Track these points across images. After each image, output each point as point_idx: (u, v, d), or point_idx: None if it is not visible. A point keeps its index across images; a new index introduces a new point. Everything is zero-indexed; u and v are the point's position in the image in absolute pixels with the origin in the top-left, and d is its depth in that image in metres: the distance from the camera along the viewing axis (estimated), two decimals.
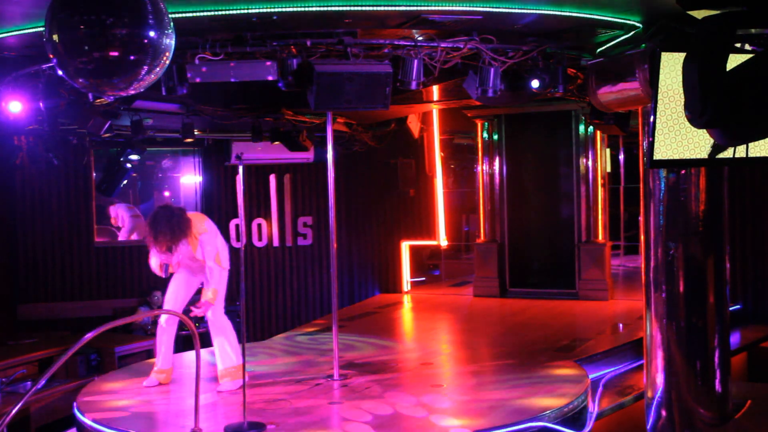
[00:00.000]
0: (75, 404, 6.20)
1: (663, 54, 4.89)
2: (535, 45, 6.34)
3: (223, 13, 5.42)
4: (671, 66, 4.91)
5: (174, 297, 6.61)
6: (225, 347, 6.46)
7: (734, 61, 3.23)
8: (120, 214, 12.93)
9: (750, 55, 3.27)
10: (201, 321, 6.63)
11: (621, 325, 9.07)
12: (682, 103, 3.32)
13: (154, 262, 6.46)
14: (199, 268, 6.53)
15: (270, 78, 5.94)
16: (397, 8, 5.48)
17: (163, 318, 6.61)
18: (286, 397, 6.18)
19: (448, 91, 9.16)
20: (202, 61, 5.90)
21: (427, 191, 12.20)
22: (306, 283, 12.29)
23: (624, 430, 6.71)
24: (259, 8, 5.37)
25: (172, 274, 6.64)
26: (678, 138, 4.96)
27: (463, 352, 8.30)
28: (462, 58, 6.28)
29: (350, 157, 11.84)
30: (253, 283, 12.10)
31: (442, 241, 12.14)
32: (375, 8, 5.46)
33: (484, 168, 11.50)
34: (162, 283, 6.90)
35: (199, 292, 6.64)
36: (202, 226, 6.42)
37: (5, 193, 11.10)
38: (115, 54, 3.47)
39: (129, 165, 10.36)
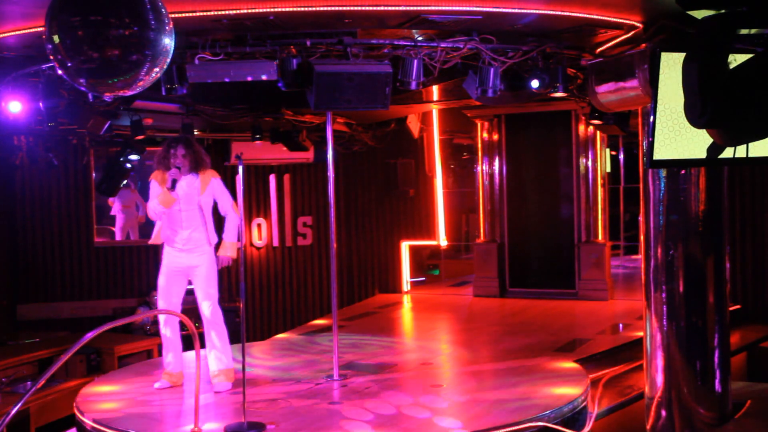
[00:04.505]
0: (75, 404, 6.20)
1: (663, 54, 4.89)
2: (535, 45, 6.33)
3: (223, 13, 5.42)
4: (671, 66, 4.91)
5: (167, 298, 6.46)
6: (219, 348, 6.38)
7: (734, 61, 3.24)
8: (115, 203, 13.06)
9: (750, 55, 3.27)
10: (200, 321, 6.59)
11: (621, 325, 9.07)
12: (682, 103, 3.32)
13: (156, 190, 6.32)
14: (193, 219, 6.37)
15: (270, 78, 5.94)
16: (397, 8, 5.48)
17: (162, 327, 6.55)
18: (286, 397, 6.17)
19: (448, 91, 9.16)
20: (202, 61, 5.90)
21: (427, 191, 12.21)
22: (306, 283, 12.29)
23: (624, 430, 6.70)
24: (259, 9, 5.37)
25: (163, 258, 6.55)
26: (678, 138, 4.96)
27: (463, 352, 8.29)
28: (462, 58, 6.28)
29: (350, 157, 11.84)
30: (253, 283, 12.10)
31: (442, 241, 12.15)
32: (375, 8, 5.46)
33: (484, 168, 11.50)
34: None
35: (190, 292, 6.57)
36: (215, 173, 6.50)
37: (5, 193, 11.10)
38: (115, 54, 3.47)
39: (129, 165, 10.36)
